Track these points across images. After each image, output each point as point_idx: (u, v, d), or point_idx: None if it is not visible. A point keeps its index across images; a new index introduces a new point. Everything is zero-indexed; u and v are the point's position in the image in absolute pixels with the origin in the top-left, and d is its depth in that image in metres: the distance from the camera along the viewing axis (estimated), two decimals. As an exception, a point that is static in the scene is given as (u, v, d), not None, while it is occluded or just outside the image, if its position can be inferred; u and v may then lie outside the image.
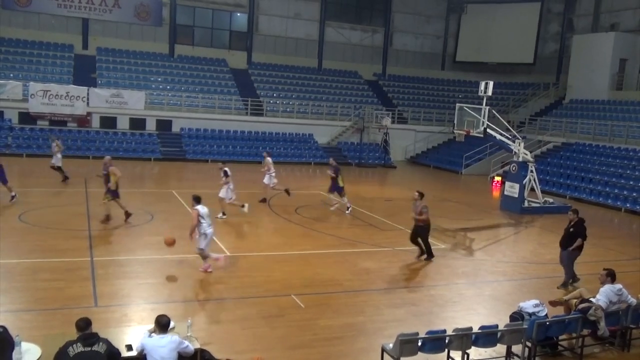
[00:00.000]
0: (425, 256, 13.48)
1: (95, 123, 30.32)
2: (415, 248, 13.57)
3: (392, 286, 11.53)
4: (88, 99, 29.82)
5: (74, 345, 5.97)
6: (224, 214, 16.34)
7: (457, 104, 22.83)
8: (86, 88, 30.05)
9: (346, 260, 12.95)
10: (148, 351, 6.33)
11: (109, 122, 30.44)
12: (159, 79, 34.08)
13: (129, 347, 6.69)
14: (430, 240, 13.60)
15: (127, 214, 15.14)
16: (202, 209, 11.22)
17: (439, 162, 34.48)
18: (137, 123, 30.87)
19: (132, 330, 7.77)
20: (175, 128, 31.79)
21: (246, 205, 16.78)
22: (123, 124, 30.73)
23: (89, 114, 30.01)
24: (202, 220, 11.13)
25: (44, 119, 29.21)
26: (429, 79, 42.50)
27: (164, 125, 31.56)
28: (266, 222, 16.72)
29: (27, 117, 28.84)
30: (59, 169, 20.85)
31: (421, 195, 13.26)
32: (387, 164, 33.75)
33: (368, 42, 41.39)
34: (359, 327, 9.25)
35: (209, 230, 11.27)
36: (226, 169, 16.32)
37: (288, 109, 35.05)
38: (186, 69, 35.60)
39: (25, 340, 6.79)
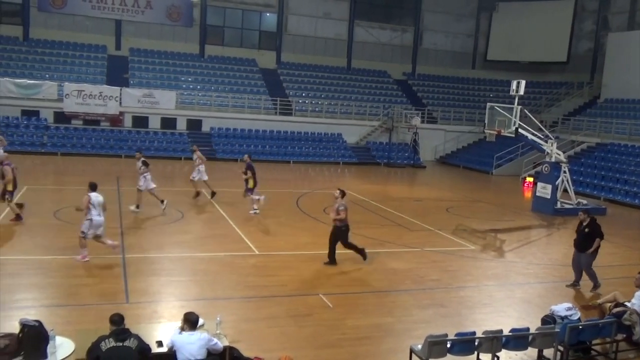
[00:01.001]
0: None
1: (128, 122, 30.85)
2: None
3: (420, 287, 11.44)
4: (121, 98, 30.35)
5: (107, 340, 6.09)
6: (137, 207, 16.25)
7: (488, 104, 22.53)
8: (119, 88, 30.59)
9: (374, 260, 12.90)
10: (178, 348, 6.41)
11: (140, 121, 30.93)
12: (190, 79, 34.48)
13: (159, 343, 6.79)
14: (457, 239, 13.39)
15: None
16: (95, 197, 11.41)
17: (469, 162, 34.09)
18: (168, 122, 31.30)
19: (162, 326, 7.88)
20: (205, 127, 32.13)
21: (165, 201, 16.56)
22: (154, 124, 31.19)
23: (121, 113, 30.54)
24: (93, 208, 11.29)
25: (78, 118, 29.82)
26: (459, 78, 42.05)
27: (194, 124, 31.94)
28: (294, 221, 16.76)
29: (62, 117, 29.50)
30: None
31: (342, 193, 12.25)
32: (417, 164, 33.51)
33: (397, 42, 41.16)
34: (387, 328, 9.20)
35: (97, 219, 11.37)
36: (144, 159, 16.57)
37: (317, 109, 35.09)
38: (216, 68, 35.94)
39: (60, 335, 6.94)
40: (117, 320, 6.23)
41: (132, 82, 32.50)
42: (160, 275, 11.11)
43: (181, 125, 31.63)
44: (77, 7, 33.97)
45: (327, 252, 12.28)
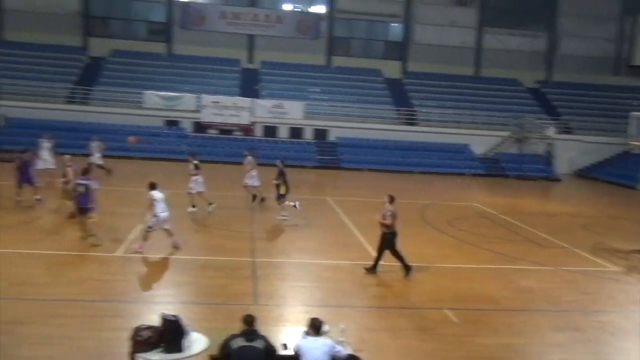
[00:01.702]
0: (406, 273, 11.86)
1: (259, 132, 32.30)
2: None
3: (554, 308, 10.68)
4: (252, 109, 31.86)
5: (237, 339, 6.34)
6: (194, 206, 16.88)
7: (632, 113, 20.66)
8: (251, 99, 32.16)
9: (503, 276, 12.28)
10: (302, 352, 6.51)
11: (270, 131, 32.27)
12: (317, 90, 35.35)
13: (284, 346, 6.94)
14: (596, 259, 12.34)
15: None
16: (156, 194, 12.12)
17: (610, 176, 31.44)
18: (296, 132, 32.33)
19: (287, 330, 8.06)
20: (331, 137, 32.73)
21: (213, 204, 17.01)
22: (283, 133, 32.38)
23: (253, 123, 32.06)
24: (156, 204, 12.03)
25: (214, 128, 31.76)
26: (598, 85, 39.04)
27: (320, 134, 32.68)
28: (418, 233, 16.46)
29: (199, 126, 31.59)
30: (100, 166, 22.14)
31: (391, 198, 11.70)
32: (551, 176, 31.55)
33: (527, 48, 39.19)
34: (517, 349, 8.69)
35: (163, 215, 12.12)
36: (196, 162, 17.05)
37: (443, 119, 34.33)
38: (342, 79, 36.53)
39: (195, 331, 7.35)
40: (248, 320, 6.47)
41: (262, 93, 34.00)
42: (287, 280, 11.42)
43: (308, 135, 32.50)
44: (215, 24, 36.30)
45: (454, 265, 11.89)
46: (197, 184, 16.97)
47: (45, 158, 19.52)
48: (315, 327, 6.68)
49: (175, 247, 12.71)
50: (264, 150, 30.72)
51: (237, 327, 6.48)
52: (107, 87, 32.24)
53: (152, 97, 31.39)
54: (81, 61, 34.85)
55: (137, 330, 7.76)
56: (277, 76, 35.79)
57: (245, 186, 18.60)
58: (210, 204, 17.09)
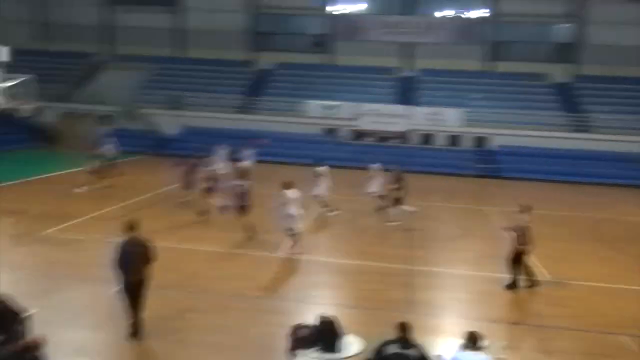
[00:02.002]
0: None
1: (414, 140, 32.07)
2: None
3: None
4: (409, 117, 31.75)
5: (391, 345, 6.31)
6: (332, 211, 17.24)
7: None
8: (408, 107, 32.06)
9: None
10: (461, 365, 6.28)
11: (426, 138, 31.86)
12: (476, 96, 34.16)
13: (440, 357, 6.76)
14: None
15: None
16: (291, 193, 12.45)
17: None
18: (453, 140, 31.54)
19: (442, 340, 7.84)
20: (491, 145, 31.41)
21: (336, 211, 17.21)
22: (440, 141, 31.77)
23: (409, 131, 31.91)
24: (289, 204, 12.37)
25: (371, 135, 32.18)
26: None
27: (479, 141, 31.53)
28: (592, 250, 15.08)
29: (356, 134, 32.22)
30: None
31: (525, 208, 11.01)
32: None
33: None
34: None
35: (293, 211, 12.42)
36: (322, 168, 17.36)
37: (618, 125, 31.17)
38: (504, 84, 34.86)
39: (350, 333, 7.46)
40: (404, 328, 6.41)
41: (420, 101, 33.71)
42: (444, 290, 11.14)
43: (466, 143, 31.54)
44: (374, 34, 36.81)
45: (635, 287, 10.72)
46: (322, 189, 17.33)
47: (220, 164, 20.80)
48: (474, 341, 6.43)
49: (296, 251, 12.83)
50: (420, 157, 30.46)
51: (392, 333, 6.44)
52: (273, 97, 34.23)
53: (313, 106, 32.69)
54: (250, 74, 37.42)
55: (296, 328, 8.10)
56: (436, 83, 35.24)
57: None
58: (333, 208, 17.46)
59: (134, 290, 8.13)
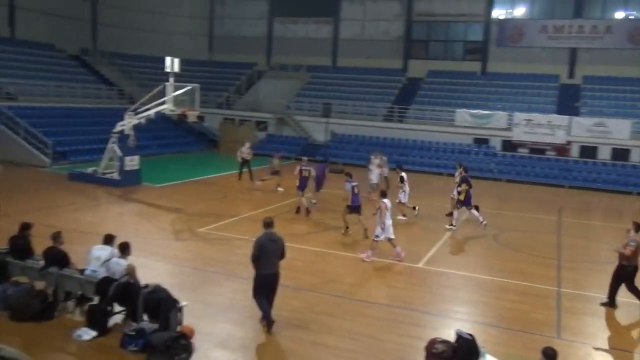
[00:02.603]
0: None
1: (575, 152, 29.76)
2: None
3: None
4: (570, 128, 29.55)
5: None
6: (404, 215, 17.46)
7: None
8: (568, 117, 29.86)
9: None
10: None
11: (588, 151, 29.38)
12: (650, 107, 30.84)
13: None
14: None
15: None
16: (388, 202, 12.83)
17: None
18: (620, 154, 28.74)
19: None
20: (666, 160, 28.13)
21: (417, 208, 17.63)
22: (604, 154, 29.13)
23: (568, 142, 29.70)
24: (387, 212, 12.68)
25: (524, 147, 30.47)
26: None
27: (651, 157, 28.41)
28: None
29: (509, 145, 30.70)
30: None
31: (637, 226, 10.17)
32: None
33: None
34: None
35: (388, 222, 12.68)
36: (403, 174, 17.49)
37: None
38: (685, 93, 31.09)
39: (489, 354, 7.13)
40: (549, 354, 6.01)
41: (583, 110, 31.27)
42: (597, 317, 10.18)
43: (635, 157, 28.57)
44: (534, 40, 34.88)
45: None
46: (403, 194, 17.40)
47: (373, 172, 20.69)
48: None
49: (397, 258, 12.84)
50: (580, 172, 28.24)
51: (535, 357, 6.06)
52: (422, 106, 33.88)
53: (463, 115, 31.76)
54: (400, 82, 37.41)
55: (433, 342, 7.93)
56: (601, 92, 32.44)
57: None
58: (414, 207, 17.70)
59: (268, 283, 8.63)
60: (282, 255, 8.77)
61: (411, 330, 9.05)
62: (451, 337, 7.99)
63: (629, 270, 10.29)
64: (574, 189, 26.52)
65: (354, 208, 14.99)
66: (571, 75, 34.35)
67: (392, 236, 12.89)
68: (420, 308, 10.12)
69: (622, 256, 10.30)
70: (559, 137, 29.68)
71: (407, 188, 17.47)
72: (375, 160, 21.02)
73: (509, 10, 36.16)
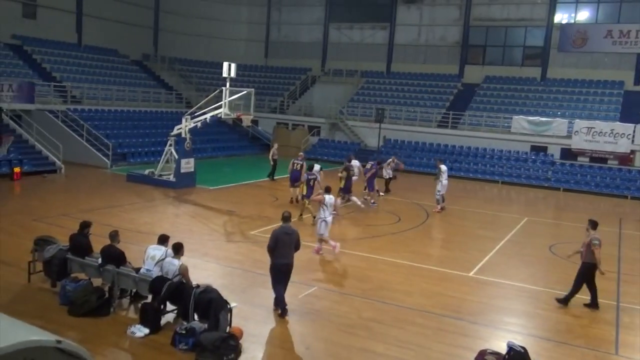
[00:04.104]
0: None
1: (639, 162, 28.48)
2: None
3: None
4: (634, 136, 28.30)
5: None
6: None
7: None
8: (633, 125, 28.60)
9: None
10: None
11: (654, 161, 28.08)
12: None
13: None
14: None
15: None
16: (329, 198, 13.17)
17: None
18: (689, 164, 27.32)
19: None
20: None
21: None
22: (671, 164, 27.77)
23: (632, 152, 28.45)
24: (325, 208, 13.03)
25: (585, 155, 29.38)
26: None
27: None
28: None
29: (568, 153, 29.68)
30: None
31: (593, 224, 10.73)
32: None
33: None
34: None
35: (329, 218, 13.08)
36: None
37: None
38: None
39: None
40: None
41: (648, 118, 29.93)
42: (659, 335, 9.70)
43: None
44: (597, 45, 33.61)
45: None
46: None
47: (443, 181, 19.61)
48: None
49: (317, 253, 13.12)
50: (645, 183, 27.00)
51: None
52: (477, 112, 33.23)
53: (520, 121, 30.91)
54: (455, 88, 36.82)
55: (483, 353, 7.77)
56: (669, 99, 30.96)
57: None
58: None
59: (282, 272, 9.30)
60: (297, 247, 9.46)
61: (460, 340, 8.87)
62: (502, 349, 7.80)
63: (589, 267, 10.58)
64: (638, 200, 25.38)
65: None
66: (637, 81, 32.90)
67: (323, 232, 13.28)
68: (470, 318, 9.90)
69: (586, 255, 10.58)
70: (622, 146, 28.46)
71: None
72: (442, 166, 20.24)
73: (572, 15, 35.02)
